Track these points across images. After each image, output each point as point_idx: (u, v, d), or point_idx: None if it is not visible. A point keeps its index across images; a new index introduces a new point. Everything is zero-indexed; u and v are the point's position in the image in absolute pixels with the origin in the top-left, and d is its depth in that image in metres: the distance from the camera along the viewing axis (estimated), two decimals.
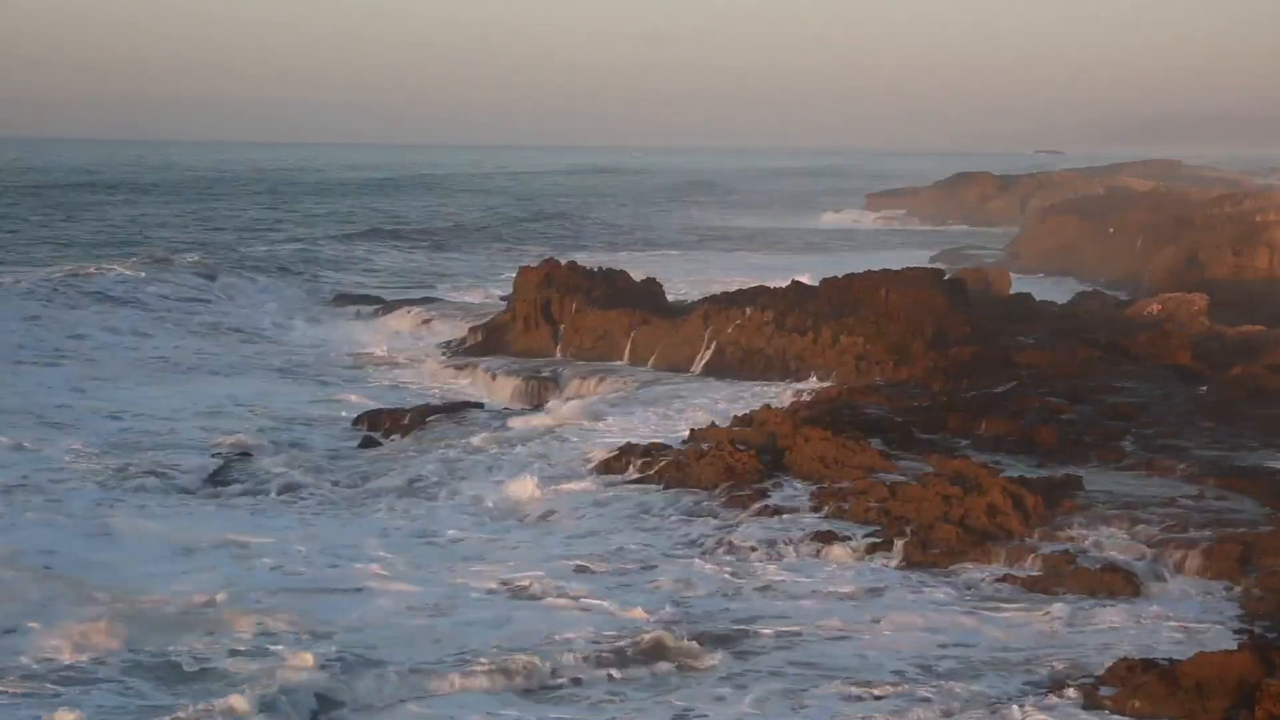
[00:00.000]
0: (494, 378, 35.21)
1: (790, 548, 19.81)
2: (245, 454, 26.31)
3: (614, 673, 15.43)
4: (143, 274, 49.08)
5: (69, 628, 15.77)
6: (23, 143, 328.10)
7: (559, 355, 37.08)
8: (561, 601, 17.82)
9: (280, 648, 15.56)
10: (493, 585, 18.50)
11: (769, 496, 22.16)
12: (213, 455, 26.06)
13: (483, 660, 15.44)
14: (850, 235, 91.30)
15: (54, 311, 42.01)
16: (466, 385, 35.24)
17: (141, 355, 38.37)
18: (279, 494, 23.72)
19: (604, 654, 15.78)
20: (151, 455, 25.77)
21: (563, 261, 41.55)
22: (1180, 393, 28.76)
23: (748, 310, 36.15)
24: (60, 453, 25.52)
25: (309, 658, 15.06)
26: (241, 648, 15.61)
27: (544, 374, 34.96)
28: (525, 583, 18.51)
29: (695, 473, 23.23)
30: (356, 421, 29.72)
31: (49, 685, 14.56)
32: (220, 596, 17.26)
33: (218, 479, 24.64)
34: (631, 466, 24.02)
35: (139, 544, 19.99)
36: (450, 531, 21.27)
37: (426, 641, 16.14)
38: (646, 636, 16.16)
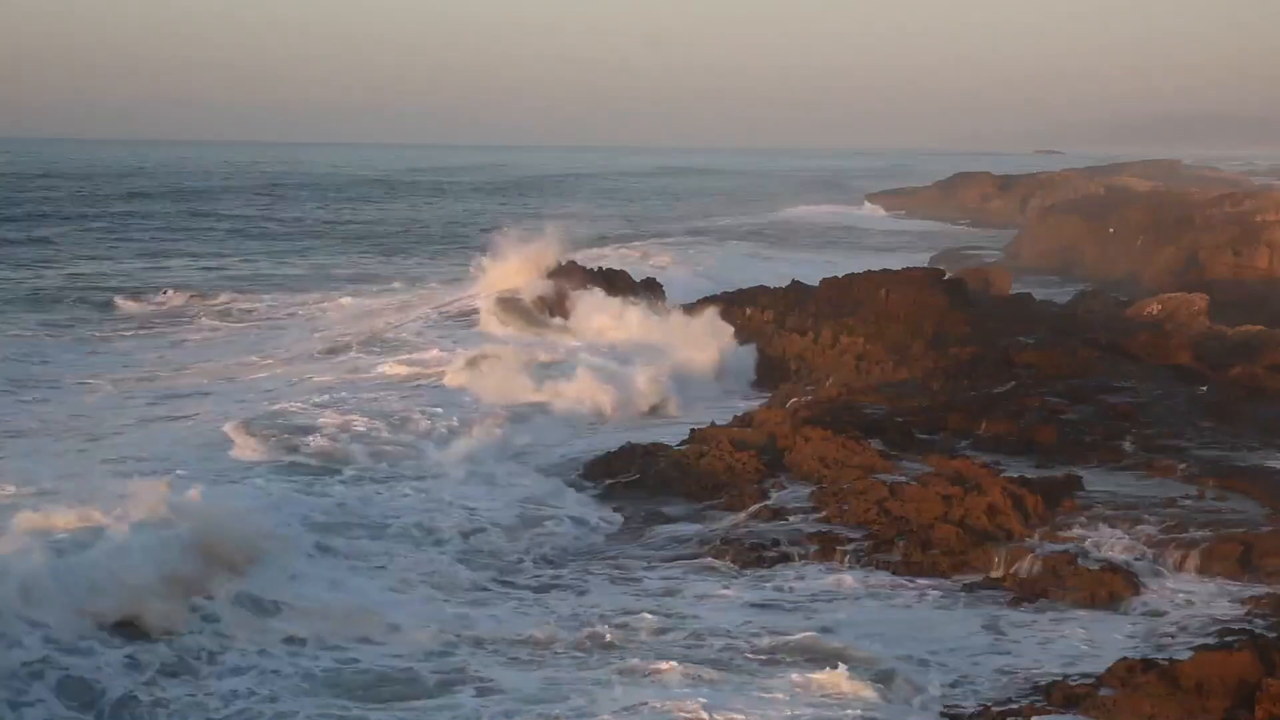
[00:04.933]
0: None
1: (789, 548, 19.79)
2: None
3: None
4: None
5: None
6: (21, 143, 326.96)
7: None
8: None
9: None
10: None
11: (769, 497, 22.17)
12: None
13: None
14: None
15: None
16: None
17: None
18: None
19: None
20: None
21: (563, 260, 41.59)
22: (1180, 393, 28.75)
23: (748, 310, 36.17)
24: None
25: None
26: None
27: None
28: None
29: (695, 473, 23.23)
30: None
31: None
32: None
33: None
34: (633, 466, 24.01)
35: None
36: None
37: None
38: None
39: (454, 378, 30.23)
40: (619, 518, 21.76)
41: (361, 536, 19.82)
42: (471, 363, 30.94)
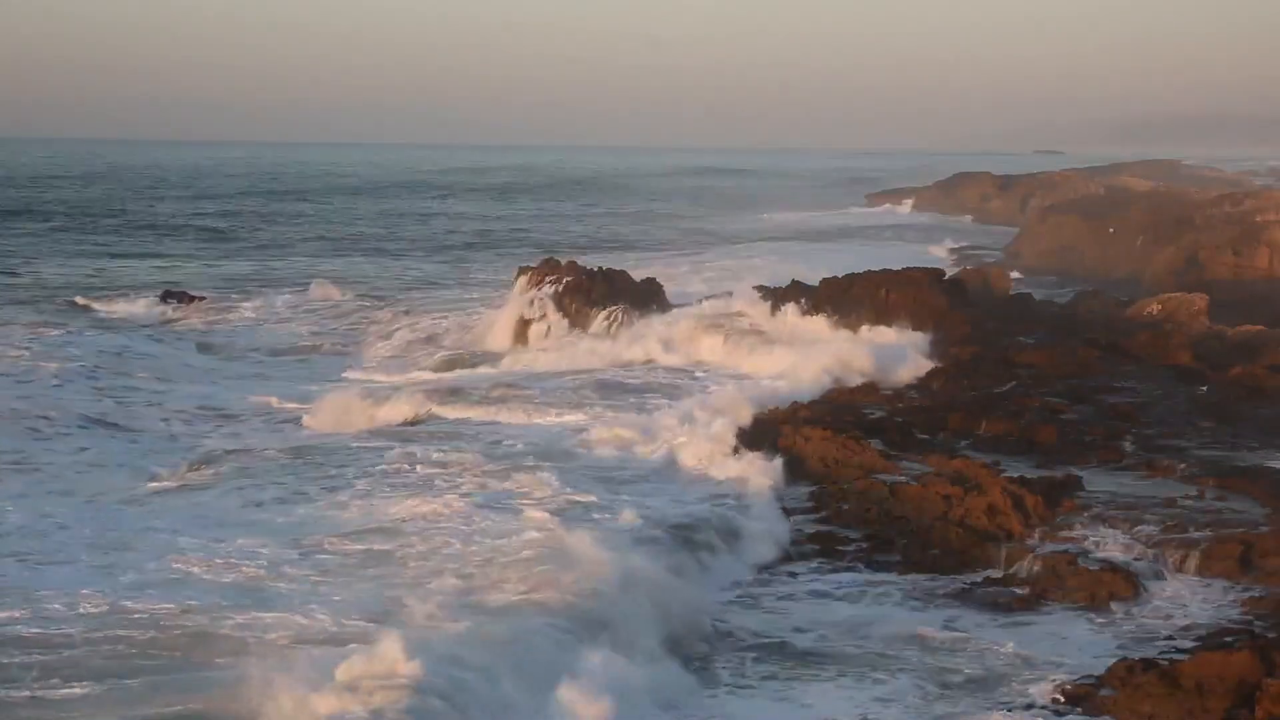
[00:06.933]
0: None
1: (790, 549, 19.76)
2: None
3: None
4: None
5: None
6: (22, 143, 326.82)
7: None
8: None
9: None
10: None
11: None
12: None
13: None
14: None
15: None
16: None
17: None
18: None
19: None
20: None
21: (563, 261, 41.64)
22: (1180, 393, 28.79)
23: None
24: None
25: None
26: None
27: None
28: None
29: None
30: None
31: None
32: None
33: None
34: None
35: None
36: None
37: None
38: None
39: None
40: None
41: None
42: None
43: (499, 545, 17.85)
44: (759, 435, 24.71)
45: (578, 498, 20.57)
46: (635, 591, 16.45)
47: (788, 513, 21.24)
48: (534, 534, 18.26)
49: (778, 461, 22.79)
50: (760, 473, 22.38)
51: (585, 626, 15.09)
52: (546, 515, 19.25)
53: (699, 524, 19.94)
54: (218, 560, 17.41)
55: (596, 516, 19.60)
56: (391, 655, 13.21)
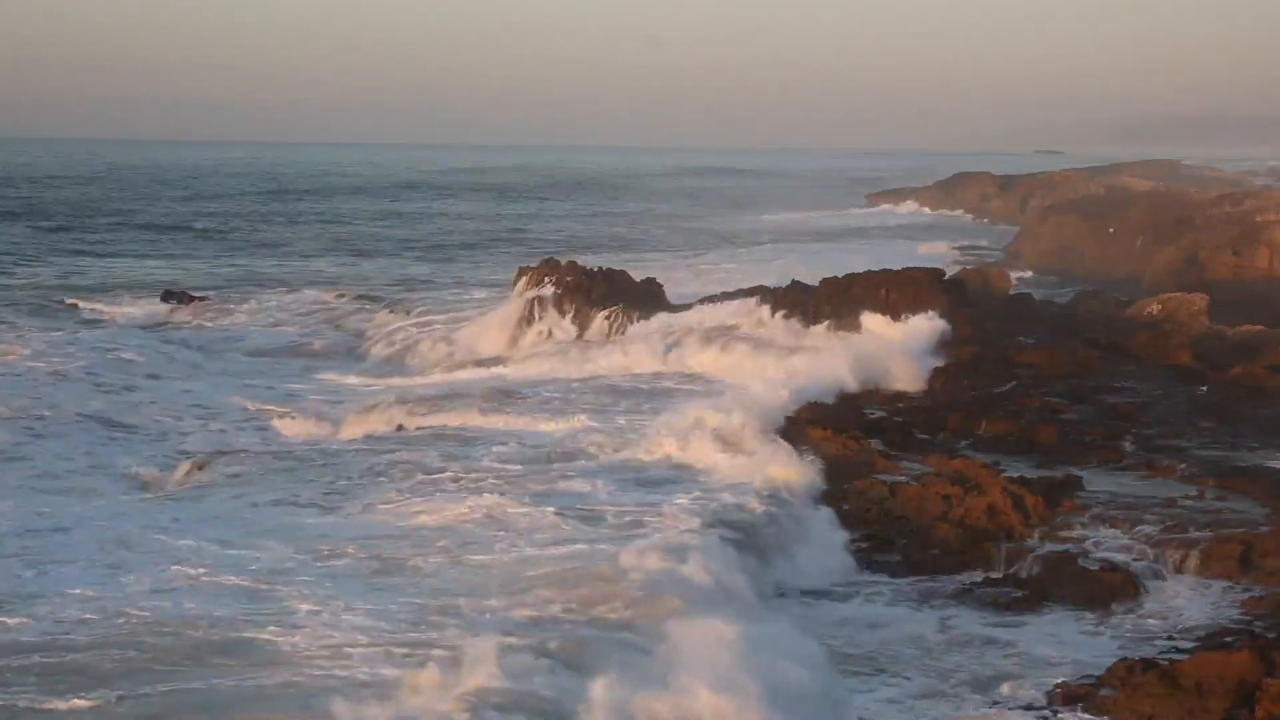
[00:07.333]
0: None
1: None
2: None
3: None
4: None
5: None
6: (24, 143, 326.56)
7: None
8: None
9: None
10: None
11: None
12: None
13: None
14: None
15: None
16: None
17: None
18: None
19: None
20: None
21: (563, 261, 41.64)
22: (1180, 393, 28.80)
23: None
24: None
25: None
26: None
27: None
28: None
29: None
30: None
31: None
32: None
33: None
34: None
35: None
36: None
37: None
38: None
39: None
40: None
41: None
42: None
43: (536, 555, 17.18)
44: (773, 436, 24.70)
45: (610, 503, 19.98)
46: (713, 597, 15.74)
47: None
48: (576, 542, 17.62)
49: (812, 460, 22.34)
50: (798, 473, 21.76)
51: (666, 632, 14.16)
52: (582, 522, 18.76)
53: (757, 527, 19.30)
54: (225, 564, 16.92)
55: (629, 519, 18.99)
56: (485, 668, 12.33)
